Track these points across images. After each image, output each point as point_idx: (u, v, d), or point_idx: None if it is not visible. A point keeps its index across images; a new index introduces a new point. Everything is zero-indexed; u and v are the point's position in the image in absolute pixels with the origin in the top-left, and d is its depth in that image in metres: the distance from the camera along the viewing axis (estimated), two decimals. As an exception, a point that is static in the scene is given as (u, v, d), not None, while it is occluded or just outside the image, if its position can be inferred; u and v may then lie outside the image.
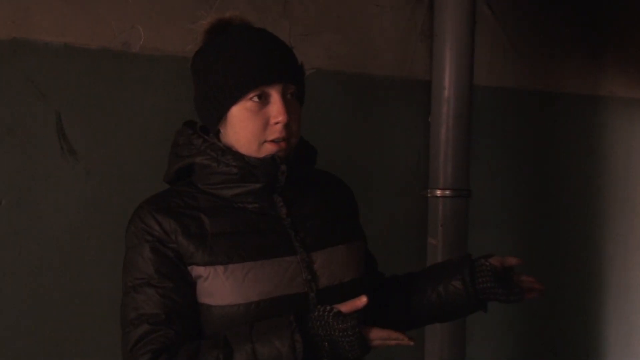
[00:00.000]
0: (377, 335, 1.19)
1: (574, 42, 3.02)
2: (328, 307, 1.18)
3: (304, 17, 2.26)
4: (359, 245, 1.40)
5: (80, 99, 1.87)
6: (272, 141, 1.25)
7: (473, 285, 1.41)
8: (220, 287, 1.21)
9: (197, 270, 1.23)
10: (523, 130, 2.85)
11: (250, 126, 1.24)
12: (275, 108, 1.24)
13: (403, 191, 2.50)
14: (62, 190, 1.85)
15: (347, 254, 1.34)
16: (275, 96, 1.24)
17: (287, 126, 1.25)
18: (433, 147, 2.49)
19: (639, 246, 3.32)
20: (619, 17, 3.20)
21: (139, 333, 1.20)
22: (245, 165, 1.25)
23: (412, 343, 1.20)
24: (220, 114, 1.26)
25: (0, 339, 1.79)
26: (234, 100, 1.24)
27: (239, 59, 1.24)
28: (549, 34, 2.92)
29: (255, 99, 1.24)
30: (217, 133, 1.30)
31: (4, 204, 1.78)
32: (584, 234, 3.12)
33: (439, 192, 2.47)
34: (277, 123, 1.24)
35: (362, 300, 1.19)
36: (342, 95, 2.34)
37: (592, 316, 3.17)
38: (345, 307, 1.18)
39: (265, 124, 1.25)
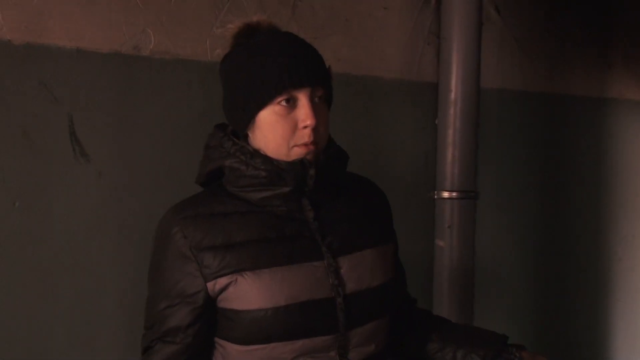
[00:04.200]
0: None
1: (581, 44, 3.02)
2: None
3: (313, 21, 2.28)
4: (389, 249, 1.39)
5: (92, 102, 1.90)
6: (301, 145, 1.25)
7: None
8: (247, 291, 1.22)
9: (222, 281, 1.23)
10: (530, 132, 2.86)
11: (279, 130, 1.24)
12: (303, 112, 1.23)
13: (410, 193, 2.51)
14: (74, 192, 1.88)
15: (375, 259, 1.33)
16: (303, 100, 1.24)
17: (315, 130, 1.24)
18: (440, 149, 2.50)
19: (648, 247, 3.32)
20: (627, 19, 3.19)
21: (145, 344, 1.30)
22: (274, 169, 1.24)
23: None
24: (248, 118, 1.26)
25: (12, 339, 1.82)
26: (263, 105, 1.24)
27: (267, 63, 1.24)
28: (556, 35, 2.93)
29: (284, 103, 1.23)
30: (247, 137, 1.30)
31: (18, 206, 1.81)
32: (593, 235, 3.12)
33: (446, 194, 2.48)
34: (305, 127, 1.24)
35: None
36: (350, 98, 2.36)
37: (601, 317, 3.17)
38: None
39: (294, 128, 1.24)
